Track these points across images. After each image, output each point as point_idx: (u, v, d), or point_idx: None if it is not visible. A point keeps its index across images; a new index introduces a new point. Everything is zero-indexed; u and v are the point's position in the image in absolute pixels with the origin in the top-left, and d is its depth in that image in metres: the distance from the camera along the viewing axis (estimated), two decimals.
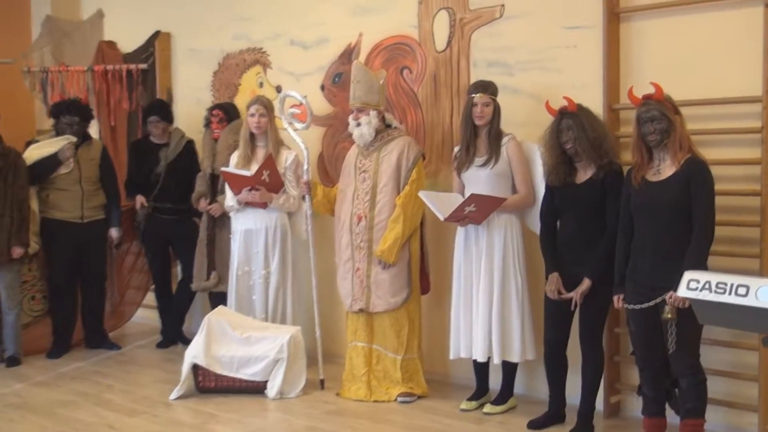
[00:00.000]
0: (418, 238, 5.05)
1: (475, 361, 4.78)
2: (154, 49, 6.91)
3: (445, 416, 4.70)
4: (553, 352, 4.42)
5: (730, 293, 2.39)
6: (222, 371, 5.08)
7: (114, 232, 6.26)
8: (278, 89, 6.14)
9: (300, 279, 5.58)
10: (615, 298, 4.06)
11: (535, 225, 4.60)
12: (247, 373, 5.07)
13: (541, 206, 4.51)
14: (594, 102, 4.45)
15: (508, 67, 5.02)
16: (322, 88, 5.93)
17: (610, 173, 4.21)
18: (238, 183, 5.37)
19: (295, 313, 5.54)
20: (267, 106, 5.50)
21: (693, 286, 2.46)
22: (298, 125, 5.33)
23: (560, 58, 4.81)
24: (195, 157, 6.28)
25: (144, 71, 6.96)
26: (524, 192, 4.67)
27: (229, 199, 5.54)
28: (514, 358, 4.66)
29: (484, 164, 4.66)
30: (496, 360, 4.65)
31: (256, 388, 5.09)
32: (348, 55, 5.76)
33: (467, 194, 4.66)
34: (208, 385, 5.14)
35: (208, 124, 6.02)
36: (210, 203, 5.83)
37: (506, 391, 4.80)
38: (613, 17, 4.55)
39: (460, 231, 4.77)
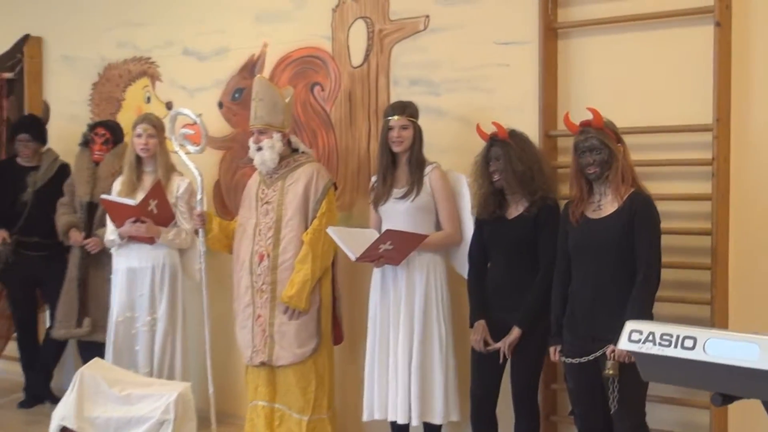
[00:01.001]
0: (330, 280, 5.05)
1: (392, 423, 4.75)
2: (22, 56, 6.83)
3: None
4: (480, 410, 4.44)
5: (675, 346, 2.44)
6: None
7: None
8: (169, 106, 6.12)
9: (191, 327, 5.54)
10: (551, 350, 4.10)
11: (463, 266, 4.64)
12: None
13: (470, 244, 4.56)
14: (529, 127, 4.53)
15: (434, 86, 5.07)
16: (220, 105, 5.94)
17: (543, 208, 4.28)
18: (121, 214, 5.32)
19: (185, 366, 5.51)
20: (156, 126, 5.49)
21: (635, 338, 2.51)
22: (192, 148, 5.29)
23: (492, 77, 4.88)
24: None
25: (10, 81, 6.85)
26: (449, 228, 4.70)
27: (110, 232, 5.48)
28: (437, 419, 4.64)
29: (404, 196, 4.69)
30: (415, 422, 4.63)
31: None
32: (250, 68, 5.78)
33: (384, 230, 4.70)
34: None
35: (86, 143, 5.96)
36: (87, 237, 5.75)
37: None
38: (550, 33, 4.64)
39: (377, 272, 4.78)
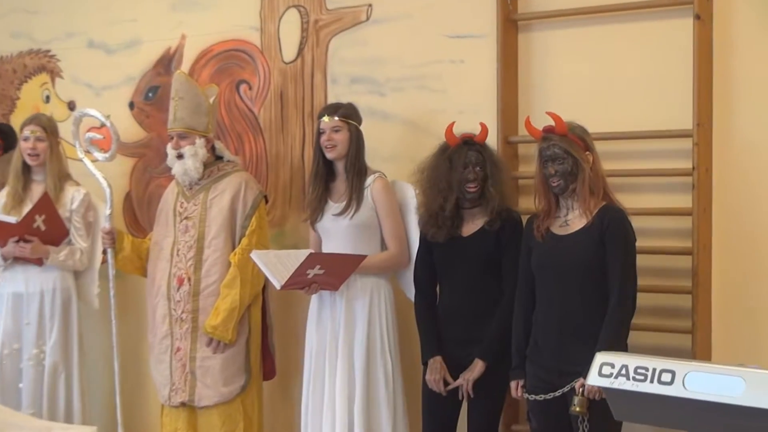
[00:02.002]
0: (260, 308, 5.04)
1: None
2: None
3: None
4: None
5: (651, 381, 2.46)
6: None
7: None
8: (71, 106, 6.10)
9: (95, 361, 5.50)
10: (512, 384, 4.11)
11: (412, 289, 4.66)
12: None
13: (415, 266, 4.59)
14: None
15: (377, 85, 5.10)
16: (131, 105, 5.93)
17: (508, 222, 4.32)
18: (2, 232, 5.28)
19: (85, 407, 5.47)
20: (46, 127, 5.47)
21: (606, 371, 2.52)
22: (99, 155, 5.26)
23: (444, 76, 4.91)
24: None
25: None
26: (394, 248, 4.72)
27: None
28: None
29: (342, 212, 4.69)
30: None
31: None
32: (166, 63, 5.78)
33: (326, 250, 4.73)
34: None
35: None
36: None
37: None
38: (510, 25, 4.67)
39: (314, 298, 4.78)
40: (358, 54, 5.15)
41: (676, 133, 4.30)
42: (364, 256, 4.56)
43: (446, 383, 4.36)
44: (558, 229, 4.00)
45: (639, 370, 2.49)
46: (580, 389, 3.79)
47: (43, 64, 6.27)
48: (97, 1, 6.07)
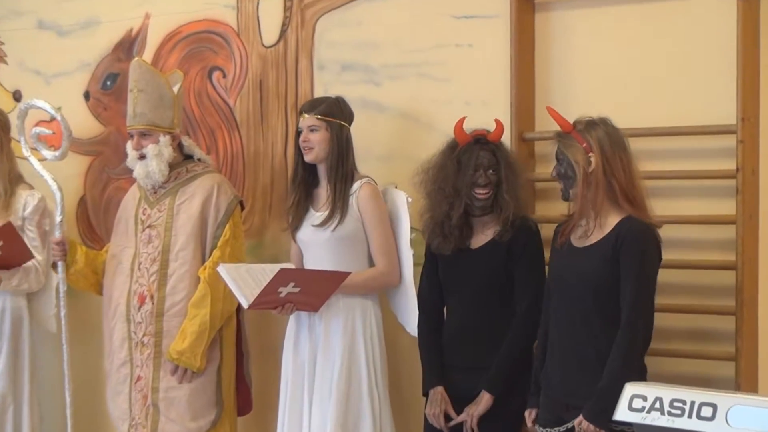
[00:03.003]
0: (234, 330, 5.05)
1: None
2: None
3: None
4: None
5: (690, 416, 2.46)
6: None
7: None
8: (17, 96, 6.10)
9: (46, 391, 5.48)
10: (526, 413, 4.13)
11: (406, 314, 4.70)
12: None
13: (420, 284, 4.58)
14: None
15: (372, 73, 5.10)
16: (87, 96, 5.92)
17: (521, 232, 4.32)
18: None
19: None
20: None
21: (637, 405, 2.52)
22: (48, 153, 5.26)
23: (450, 62, 4.91)
24: None
25: None
26: (382, 264, 4.72)
27: None
28: None
29: (324, 223, 4.70)
30: None
31: None
32: (128, 47, 5.77)
33: (307, 264, 4.74)
34: None
35: None
36: None
37: None
38: (525, 4, 4.67)
39: (292, 320, 4.80)
40: (350, 36, 5.16)
41: (718, 129, 4.29)
42: (347, 274, 4.55)
43: (449, 418, 4.36)
44: (577, 240, 4.00)
45: (675, 404, 2.50)
46: (579, 427, 3.81)
47: None
48: None
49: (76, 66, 5.93)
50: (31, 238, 5.42)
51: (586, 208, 3.91)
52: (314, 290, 4.54)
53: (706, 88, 4.35)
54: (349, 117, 4.77)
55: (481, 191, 4.30)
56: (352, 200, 4.69)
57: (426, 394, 4.45)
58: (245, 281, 4.56)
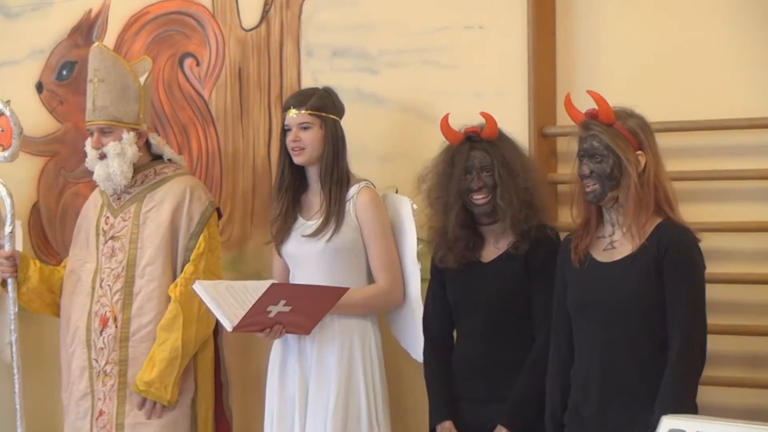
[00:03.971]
0: (212, 357, 5.06)
1: None
2: None
3: None
4: None
5: None
6: None
7: None
8: None
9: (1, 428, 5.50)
10: None
11: (410, 338, 4.70)
12: None
13: (425, 305, 4.57)
14: (514, 121, 4.54)
15: (368, 59, 5.11)
16: (39, 87, 5.94)
17: (540, 243, 4.31)
18: None
19: None
20: None
21: None
22: None
23: (458, 46, 4.91)
24: None
25: None
26: (383, 281, 4.71)
27: None
28: None
29: (318, 232, 4.69)
30: None
31: None
32: (86, 31, 5.78)
33: (295, 281, 4.73)
34: None
35: None
36: None
37: None
38: None
39: (277, 345, 4.78)
40: (343, 18, 5.18)
41: (761, 122, 4.29)
42: (345, 289, 4.54)
43: None
44: (601, 254, 3.98)
45: None
46: None
47: None
48: None
49: (27, 53, 5.96)
50: None
51: (639, 214, 3.86)
52: (307, 309, 4.53)
53: (754, 76, 4.34)
54: (341, 111, 4.79)
55: (478, 196, 4.31)
56: (349, 207, 4.70)
57: (433, 430, 4.44)
58: (226, 300, 4.54)
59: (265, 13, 5.34)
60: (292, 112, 4.69)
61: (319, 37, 5.23)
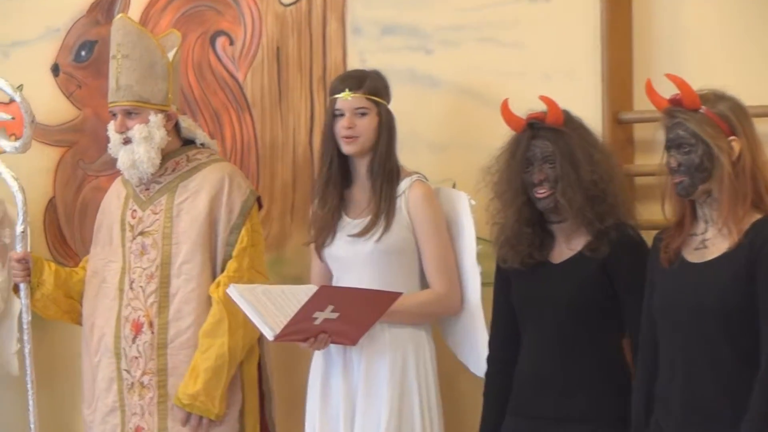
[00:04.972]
0: (256, 366, 4.99)
1: None
2: None
3: None
4: None
5: None
6: None
7: None
8: None
9: None
10: None
11: (468, 351, 4.63)
12: None
13: (493, 313, 4.44)
14: (586, 106, 4.46)
15: (422, 38, 5.04)
16: (56, 70, 5.81)
17: (620, 244, 4.16)
18: None
19: None
20: None
21: None
22: (6, 144, 5.23)
23: (522, 22, 4.85)
24: None
25: None
26: (439, 285, 4.62)
27: None
28: None
29: (366, 231, 4.61)
30: None
31: None
32: (107, 7, 5.71)
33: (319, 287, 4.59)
34: None
35: None
36: None
37: None
38: None
39: (318, 357, 4.72)
40: None
41: None
42: (398, 294, 4.46)
43: None
44: (692, 254, 3.86)
45: None
46: None
47: None
48: None
49: (41, 32, 5.88)
50: None
51: (735, 207, 3.73)
52: (355, 316, 4.47)
53: None
54: (390, 96, 4.74)
55: (540, 190, 4.25)
56: (400, 203, 4.64)
57: None
58: (265, 306, 4.50)
59: None
60: (347, 95, 4.60)
61: (367, 13, 5.18)
